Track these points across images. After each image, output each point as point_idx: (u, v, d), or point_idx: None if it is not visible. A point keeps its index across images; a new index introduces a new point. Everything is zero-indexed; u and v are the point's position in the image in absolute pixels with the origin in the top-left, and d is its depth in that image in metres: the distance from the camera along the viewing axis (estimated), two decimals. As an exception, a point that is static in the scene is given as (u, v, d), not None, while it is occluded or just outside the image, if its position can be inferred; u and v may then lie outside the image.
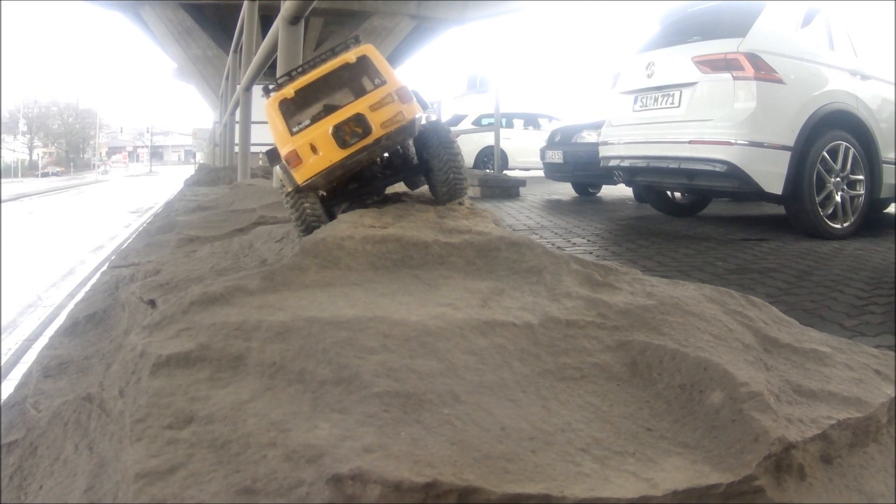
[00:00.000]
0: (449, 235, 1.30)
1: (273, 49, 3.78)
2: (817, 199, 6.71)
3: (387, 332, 1.01)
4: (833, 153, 6.83)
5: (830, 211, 6.81)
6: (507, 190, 12.55)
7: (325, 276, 1.19)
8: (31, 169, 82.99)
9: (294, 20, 3.03)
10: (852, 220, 6.91)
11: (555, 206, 10.75)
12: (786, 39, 6.92)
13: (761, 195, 6.88)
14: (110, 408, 1.04)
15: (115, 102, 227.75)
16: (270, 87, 1.51)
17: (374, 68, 1.48)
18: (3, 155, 75.57)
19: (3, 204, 31.01)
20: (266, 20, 6.62)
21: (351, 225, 1.30)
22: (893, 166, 7.30)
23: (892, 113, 7.33)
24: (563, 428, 0.90)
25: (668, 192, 8.90)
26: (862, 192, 7.01)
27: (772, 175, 6.58)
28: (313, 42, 35.16)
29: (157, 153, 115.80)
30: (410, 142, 1.56)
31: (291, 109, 1.46)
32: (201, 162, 37.33)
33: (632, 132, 7.84)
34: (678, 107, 7.18)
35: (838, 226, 6.84)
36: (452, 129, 18.93)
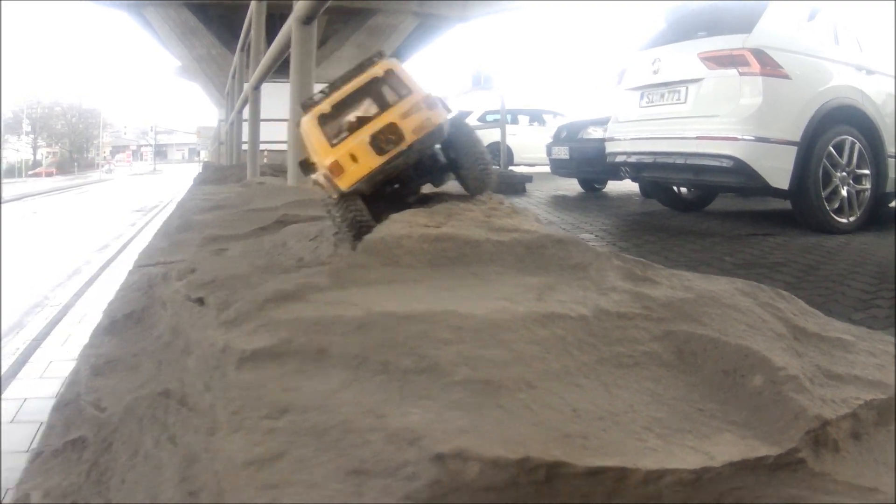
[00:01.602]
0: (498, 234, 1.36)
1: (284, 48, 3.80)
2: (823, 194, 6.72)
3: (458, 324, 1.07)
4: (839, 148, 6.84)
5: (836, 205, 6.82)
6: (513, 186, 12.55)
7: (386, 273, 1.23)
8: (33, 168, 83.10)
9: (307, 20, 3.05)
10: (858, 214, 6.92)
11: (561, 202, 10.78)
12: (791, 35, 6.93)
13: (768, 190, 6.90)
14: (194, 402, 1.08)
15: (119, 102, 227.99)
16: (307, 103, 1.64)
17: (401, 80, 1.61)
18: (6, 155, 75.64)
19: (6, 204, 31.08)
20: (270, 19, 6.64)
21: (406, 224, 1.35)
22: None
23: None
24: (626, 409, 0.98)
25: (675, 188, 8.91)
26: (867, 186, 7.02)
27: (778, 170, 6.60)
28: (317, 40, 35.11)
29: (160, 152, 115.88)
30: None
31: (328, 123, 1.58)
32: (206, 160, 37.40)
33: (638, 128, 7.86)
34: (684, 103, 7.19)
35: (844, 220, 6.85)
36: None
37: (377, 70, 1.63)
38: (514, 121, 22.03)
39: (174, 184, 49.36)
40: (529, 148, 21.21)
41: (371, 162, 1.55)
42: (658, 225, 7.62)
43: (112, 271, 12.98)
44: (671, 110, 7.37)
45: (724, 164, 6.69)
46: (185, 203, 3.58)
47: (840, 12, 7.36)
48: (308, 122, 1.57)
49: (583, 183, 13.15)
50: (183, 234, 2.32)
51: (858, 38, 7.34)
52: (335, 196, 1.55)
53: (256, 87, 5.37)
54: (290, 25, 3.29)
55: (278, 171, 9.22)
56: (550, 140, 13.80)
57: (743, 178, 6.74)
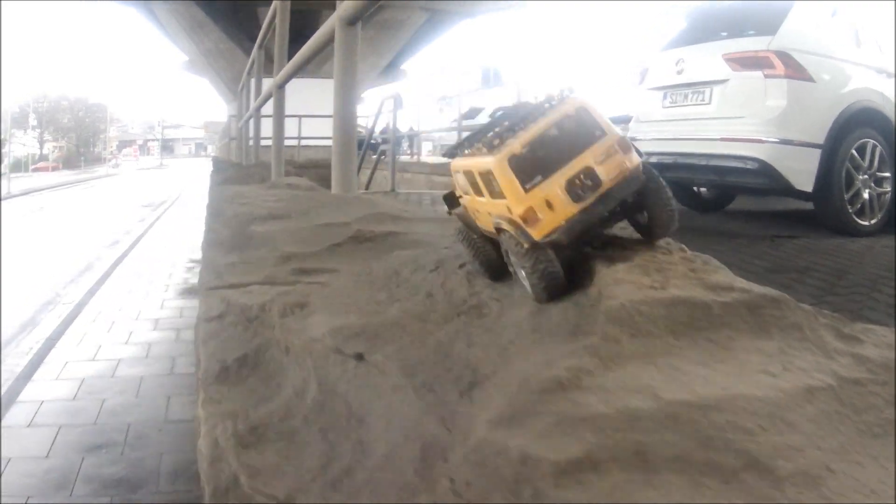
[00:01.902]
0: (717, 293, 1.27)
1: (319, 48, 3.74)
2: (846, 197, 6.68)
3: (748, 408, 0.99)
4: (861, 151, 6.79)
5: (858, 208, 6.78)
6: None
7: (636, 346, 1.13)
8: (38, 162, 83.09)
9: (353, 20, 2.97)
10: (879, 216, 6.88)
11: None
12: (815, 37, 6.89)
13: (791, 192, 6.85)
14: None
15: (126, 96, 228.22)
16: (490, 142, 1.53)
17: (594, 119, 1.47)
18: (12, 150, 75.55)
19: (13, 200, 31.05)
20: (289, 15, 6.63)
21: (634, 286, 1.25)
22: None
23: None
24: (903, 482, 0.94)
25: (695, 188, 8.87)
26: (888, 189, 6.98)
27: (802, 172, 6.55)
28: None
29: (167, 146, 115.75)
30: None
31: (519, 165, 1.44)
32: (214, 155, 37.36)
33: (661, 128, 7.81)
34: (709, 104, 7.15)
35: (866, 223, 6.81)
36: (469, 122, 18.96)
37: (568, 107, 1.49)
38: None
39: (181, 179, 49.38)
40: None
41: (567, 210, 1.41)
42: (681, 226, 7.55)
43: (123, 268, 12.97)
44: (695, 111, 7.32)
45: (749, 166, 6.66)
46: (219, 207, 3.48)
47: (860, 14, 7.32)
48: (499, 163, 1.44)
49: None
50: (247, 248, 2.23)
51: (878, 40, 7.31)
52: (526, 245, 1.43)
53: (281, 86, 5.33)
54: (331, 26, 3.21)
55: (300, 169, 9.16)
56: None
57: (767, 180, 6.70)
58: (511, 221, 1.43)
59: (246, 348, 1.39)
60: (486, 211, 1.52)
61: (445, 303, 1.49)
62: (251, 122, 9.12)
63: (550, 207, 1.40)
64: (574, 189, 1.41)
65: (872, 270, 5.04)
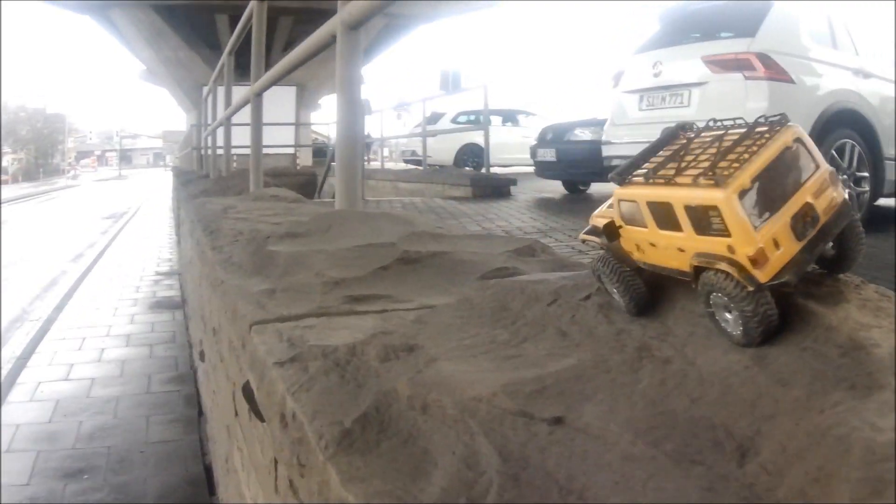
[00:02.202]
0: None
1: (309, 55, 3.61)
2: (822, 198, 6.66)
3: None
4: (840, 152, 6.87)
5: (837, 209, 6.76)
6: (498, 189, 12.45)
7: None
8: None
9: (357, 24, 2.83)
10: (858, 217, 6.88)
11: (550, 205, 10.67)
12: (793, 39, 6.95)
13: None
14: None
15: (84, 106, 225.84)
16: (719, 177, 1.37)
17: (809, 151, 1.34)
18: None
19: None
20: (234, 20, 6.43)
21: (883, 331, 1.13)
22: (894, 163, 7.38)
23: (892, 110, 7.42)
24: None
25: None
26: (867, 189, 7.06)
27: None
28: (282, 42, 34.96)
29: (125, 156, 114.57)
30: None
31: (748, 201, 1.31)
32: (174, 166, 36.95)
33: (638, 131, 7.79)
34: (688, 106, 7.15)
35: (846, 223, 6.80)
36: (430, 127, 18.86)
37: (787, 137, 1.36)
38: (487, 121, 21.99)
39: (140, 189, 48.83)
40: (504, 148, 21.17)
41: (791, 248, 1.29)
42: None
43: (90, 282, 12.71)
44: (674, 114, 7.27)
45: None
46: (213, 222, 3.30)
47: (836, 15, 7.37)
48: (728, 199, 1.30)
49: (567, 184, 13.08)
50: (275, 272, 2.05)
51: (854, 41, 7.36)
52: (749, 287, 1.30)
53: (260, 94, 5.18)
54: (329, 30, 3.07)
55: (277, 179, 8.94)
56: (534, 141, 13.71)
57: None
58: (732, 262, 1.29)
59: (360, 406, 1.18)
60: (676, 246, 1.38)
61: (598, 344, 1.33)
62: (219, 131, 8.91)
63: (777, 247, 1.26)
64: (797, 226, 1.27)
65: (863, 272, 4.99)
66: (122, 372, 7.35)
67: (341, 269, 1.93)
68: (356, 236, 2.30)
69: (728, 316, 1.35)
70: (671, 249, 1.40)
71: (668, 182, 1.38)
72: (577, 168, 11.70)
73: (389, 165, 22.59)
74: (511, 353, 1.31)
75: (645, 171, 1.48)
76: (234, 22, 5.80)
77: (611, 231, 1.52)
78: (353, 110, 2.95)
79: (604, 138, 8.55)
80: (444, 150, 20.76)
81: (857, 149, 6.97)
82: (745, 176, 1.28)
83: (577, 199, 11.68)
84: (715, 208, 1.28)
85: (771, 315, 1.29)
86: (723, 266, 1.30)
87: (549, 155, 12.45)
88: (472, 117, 22.44)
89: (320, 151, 27.43)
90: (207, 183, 8.49)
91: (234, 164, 9.48)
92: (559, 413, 1.11)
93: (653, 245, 1.45)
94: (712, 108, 6.85)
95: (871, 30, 7.60)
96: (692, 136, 1.47)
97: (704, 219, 1.31)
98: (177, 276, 12.36)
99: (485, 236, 2.42)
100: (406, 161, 23.18)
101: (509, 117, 23.67)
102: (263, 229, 2.57)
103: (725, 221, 1.27)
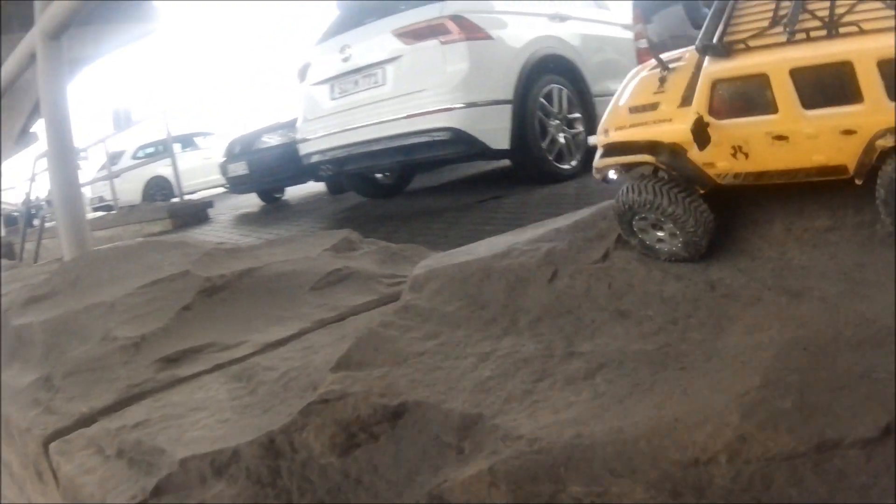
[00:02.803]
0: None
1: (18, 72, 3.07)
2: (543, 146, 6.75)
3: None
4: (549, 98, 6.91)
5: (557, 153, 6.90)
6: (196, 215, 11.83)
7: None
8: None
9: (57, 34, 2.36)
10: (578, 157, 7.02)
11: (254, 220, 10.14)
12: None
13: (489, 153, 6.82)
14: None
15: None
16: None
17: None
18: None
19: None
20: None
21: None
22: (604, 98, 7.50)
23: (594, 48, 7.63)
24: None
25: (376, 175, 8.70)
26: (581, 129, 7.16)
27: (497, 131, 6.52)
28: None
29: None
30: None
31: None
32: None
33: (334, 122, 7.42)
34: (384, 84, 6.88)
35: (567, 166, 6.95)
36: (114, 168, 17.69)
37: None
38: (171, 150, 21.08)
39: None
40: (188, 175, 20.32)
41: None
42: (383, 214, 7.39)
43: None
44: (370, 95, 7.01)
45: (442, 137, 6.49)
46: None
47: None
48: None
49: (262, 195, 12.63)
50: (39, 354, 1.44)
51: None
52: None
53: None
54: (30, 43, 2.57)
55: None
56: (223, 158, 13.15)
57: (463, 147, 6.58)
58: None
59: None
60: (841, 129, 1.04)
61: (698, 312, 0.98)
62: None
63: None
64: None
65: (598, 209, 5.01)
66: None
67: (133, 322, 1.37)
68: (130, 277, 1.71)
69: None
70: (826, 137, 1.06)
71: (835, 35, 1.05)
72: (273, 176, 11.28)
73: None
74: (580, 381, 0.93)
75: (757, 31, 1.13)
76: None
77: (701, 133, 1.13)
78: (66, 139, 2.47)
79: (298, 136, 8.12)
80: (131, 189, 19.74)
81: (565, 91, 7.05)
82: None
83: (277, 209, 11.29)
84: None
85: None
86: None
87: (240, 168, 11.90)
88: (152, 149, 21.49)
89: (11, 220, 25.10)
90: None
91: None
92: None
93: (781, 139, 1.10)
94: (410, 80, 6.68)
95: None
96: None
97: (850, 85, 1.01)
98: None
99: (287, 240, 2.00)
100: (96, 209, 21.79)
101: (186, 142, 22.84)
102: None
103: None
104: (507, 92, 6.55)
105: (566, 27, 7.42)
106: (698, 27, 4.50)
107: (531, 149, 6.66)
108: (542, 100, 6.80)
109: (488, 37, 6.59)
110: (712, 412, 0.83)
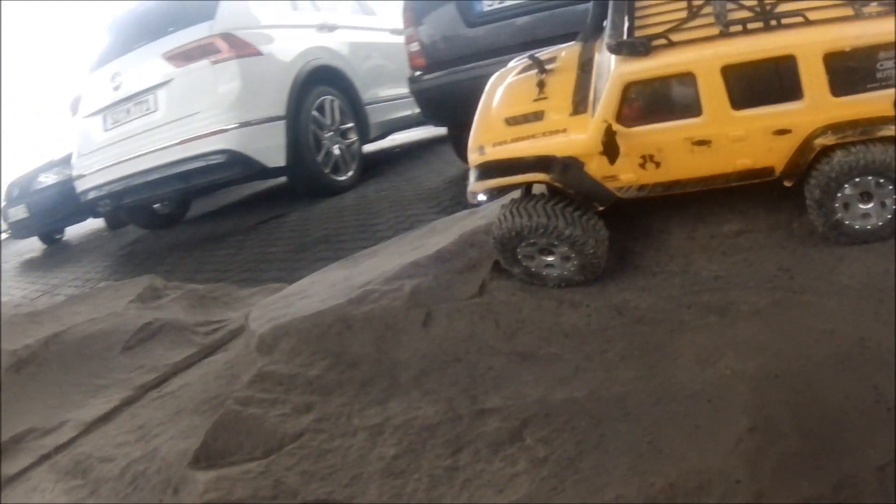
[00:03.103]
0: None
1: None
2: (319, 159, 6.87)
3: None
4: (321, 109, 7.01)
5: (333, 166, 7.04)
6: (-24, 270, 11.20)
7: None
8: None
9: None
10: (354, 168, 7.25)
11: (39, 265, 9.49)
12: (253, 12, 6.94)
13: (267, 172, 6.87)
14: None
15: None
16: None
17: None
18: None
19: None
20: None
21: None
22: (375, 105, 7.77)
23: (363, 56, 7.83)
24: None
25: (154, 206, 8.50)
26: (355, 138, 7.35)
27: (272, 149, 6.57)
28: None
29: None
30: None
31: None
32: None
33: (108, 154, 7.22)
34: (156, 111, 6.78)
35: (344, 178, 7.12)
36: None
37: None
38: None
39: None
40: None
41: None
42: (166, 245, 7.28)
43: None
44: (142, 123, 6.87)
45: (218, 160, 6.45)
46: None
47: None
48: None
49: (43, 238, 12.11)
50: None
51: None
52: None
53: None
54: None
55: None
56: (3, 203, 12.53)
57: (240, 168, 6.58)
58: None
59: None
60: (774, 129, 0.98)
61: (632, 345, 0.83)
62: None
63: None
64: None
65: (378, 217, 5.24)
66: None
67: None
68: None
69: (863, 207, 1.08)
70: (755, 138, 1.02)
71: (776, 26, 0.99)
72: (52, 216, 10.86)
73: None
74: (507, 445, 0.76)
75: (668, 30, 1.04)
76: None
77: (611, 144, 1.04)
78: None
79: (74, 173, 7.79)
80: None
81: (337, 102, 7.18)
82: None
83: (57, 250, 10.86)
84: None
85: None
86: (890, 131, 1.01)
87: (20, 212, 11.39)
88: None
89: None
90: None
91: None
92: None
93: (702, 144, 1.03)
94: (182, 104, 6.61)
95: None
96: None
97: (862, 69, 0.98)
98: None
99: (88, 295, 1.91)
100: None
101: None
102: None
103: None
104: (280, 108, 6.61)
105: (335, 37, 7.58)
106: (472, 26, 4.82)
107: (307, 163, 6.78)
108: (314, 112, 6.90)
109: (258, 52, 6.62)
110: (713, 470, 0.75)
